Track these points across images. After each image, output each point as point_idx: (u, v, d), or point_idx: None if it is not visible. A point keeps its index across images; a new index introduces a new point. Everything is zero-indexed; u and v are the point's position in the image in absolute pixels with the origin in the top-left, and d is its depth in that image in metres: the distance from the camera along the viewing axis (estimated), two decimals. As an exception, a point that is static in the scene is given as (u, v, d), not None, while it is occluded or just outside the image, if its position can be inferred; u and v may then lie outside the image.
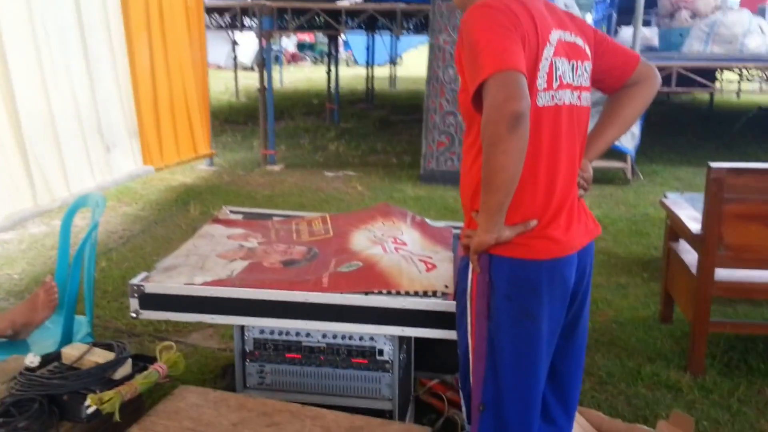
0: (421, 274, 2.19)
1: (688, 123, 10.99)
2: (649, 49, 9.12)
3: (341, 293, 2.13)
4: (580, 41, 1.72)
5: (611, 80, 1.83)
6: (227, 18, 7.99)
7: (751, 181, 2.80)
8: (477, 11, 1.56)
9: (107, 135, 5.40)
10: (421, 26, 7.81)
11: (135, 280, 2.26)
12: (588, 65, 1.74)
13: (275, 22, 7.25)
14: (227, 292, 2.19)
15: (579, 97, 1.70)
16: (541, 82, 1.60)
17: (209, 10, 7.96)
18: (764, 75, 7.80)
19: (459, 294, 1.80)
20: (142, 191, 6.17)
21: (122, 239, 4.94)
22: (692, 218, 3.11)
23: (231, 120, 10.83)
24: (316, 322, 2.16)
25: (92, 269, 2.48)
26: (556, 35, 1.64)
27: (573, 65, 1.68)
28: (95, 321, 3.44)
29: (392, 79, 16.86)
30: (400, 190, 6.47)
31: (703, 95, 12.55)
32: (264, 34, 7.18)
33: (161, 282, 2.26)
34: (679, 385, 2.86)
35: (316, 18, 7.52)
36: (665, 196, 4.56)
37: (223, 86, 14.51)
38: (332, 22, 7.45)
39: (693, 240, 2.99)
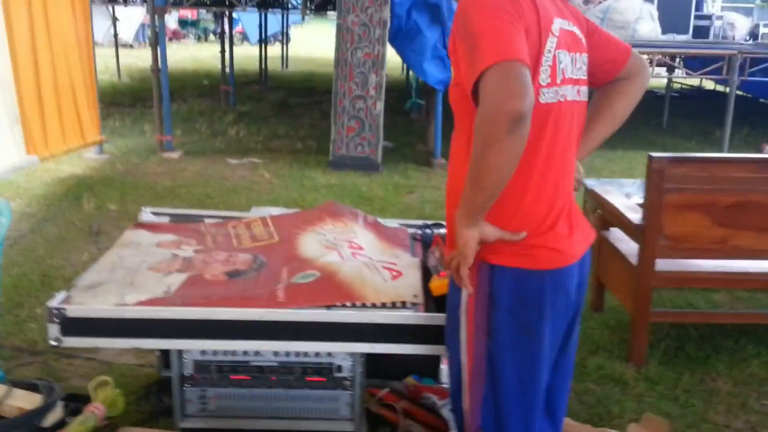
0: (386, 283, 2.01)
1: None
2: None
3: (300, 308, 1.92)
4: (577, 31, 1.61)
5: (602, 74, 1.73)
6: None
7: (691, 171, 2.82)
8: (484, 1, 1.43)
9: (-15, 123, 4.84)
10: (324, 6, 7.53)
11: (54, 302, 1.95)
12: (585, 57, 1.63)
13: (168, -2, 6.76)
14: (167, 312, 1.92)
15: (579, 92, 1.60)
16: (544, 77, 1.49)
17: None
18: (654, 60, 8.11)
19: (451, 308, 1.64)
20: (26, 185, 5.57)
21: (9, 240, 4.41)
22: (629, 208, 3.11)
23: (117, 102, 10.10)
24: (274, 342, 1.95)
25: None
26: (557, 24, 1.52)
27: (572, 58, 1.57)
28: (-11, 340, 3.04)
29: (284, 59, 16.40)
30: (311, 177, 6.24)
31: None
32: (157, 11, 6.67)
33: (86, 303, 1.96)
34: (625, 378, 2.86)
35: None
36: (583, 183, 4.63)
37: (102, 65, 13.52)
38: (234, 0, 7.05)
39: (633, 230, 2.99)
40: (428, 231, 2.46)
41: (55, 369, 2.94)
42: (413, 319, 1.90)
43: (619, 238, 3.30)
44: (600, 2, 8.54)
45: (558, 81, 1.52)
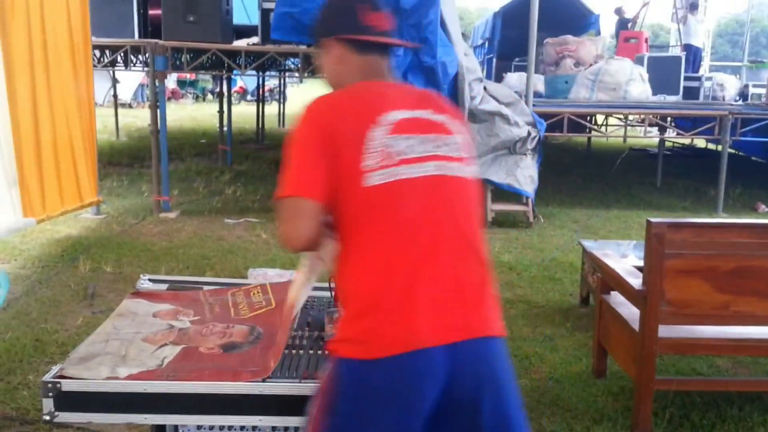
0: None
1: (570, 164, 11.51)
2: (536, 95, 9.49)
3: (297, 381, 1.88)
4: (439, 117, 1.70)
5: None
6: (107, 55, 7.50)
7: (690, 236, 2.82)
8: (300, 119, 1.64)
9: (-17, 186, 4.83)
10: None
11: (48, 376, 1.90)
12: (454, 139, 1.70)
13: (169, 61, 6.87)
14: (157, 386, 1.88)
15: (442, 167, 1.64)
16: (371, 163, 1.57)
17: (98, 47, 7.44)
18: (646, 120, 8.25)
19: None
20: (22, 246, 5.55)
21: (3, 304, 4.37)
22: (629, 272, 3.10)
23: (114, 162, 10.18)
24: (271, 417, 1.90)
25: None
26: (394, 116, 1.63)
27: (423, 139, 1.64)
28: (-22, 409, 2.97)
29: (281, 117, 16.62)
30: (307, 238, 6.22)
31: (578, 137, 13.20)
32: (158, 75, 6.77)
33: (78, 376, 1.91)
34: (630, 448, 2.81)
35: (213, 57, 7.21)
36: (581, 244, 4.63)
37: (101, 125, 13.67)
38: (231, 64, 7.16)
39: (634, 296, 2.97)
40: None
41: (44, 440, 2.87)
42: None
43: (619, 302, 3.28)
44: (591, 65, 8.71)
45: (385, 164, 1.58)
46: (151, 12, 7.96)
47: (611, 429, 2.96)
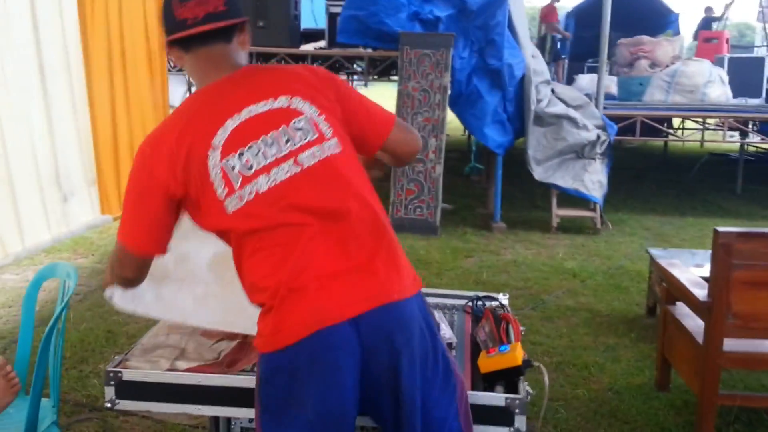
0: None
1: (645, 169, 11.16)
2: (608, 97, 9.25)
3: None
4: (279, 103, 1.63)
5: (366, 146, 1.78)
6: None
7: (759, 247, 2.71)
8: (133, 165, 1.65)
9: (65, 184, 5.11)
10: (386, 71, 7.72)
11: (111, 366, 2.00)
12: (303, 119, 1.63)
13: (240, 65, 7.05)
14: (211, 379, 1.94)
15: (296, 162, 1.59)
16: (220, 191, 1.58)
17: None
18: (725, 124, 7.93)
19: None
20: (100, 242, 5.81)
21: (79, 296, 4.60)
22: (695, 283, 3.00)
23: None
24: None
25: (61, 351, 2.21)
26: (223, 132, 1.59)
27: (266, 140, 1.59)
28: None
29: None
30: (370, 239, 6.27)
31: (655, 141, 12.81)
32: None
33: (140, 367, 2.00)
34: (691, 464, 2.71)
35: (282, 62, 7.36)
36: (649, 253, 4.50)
37: (178, 126, 14.17)
38: (299, 67, 7.30)
39: (699, 307, 2.87)
40: (480, 303, 2.42)
41: (113, 426, 3.01)
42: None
43: (684, 313, 3.18)
44: (667, 66, 8.44)
45: (236, 186, 1.57)
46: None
47: (671, 443, 2.87)
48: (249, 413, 2.00)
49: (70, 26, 5.19)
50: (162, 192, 1.60)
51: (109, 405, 1.99)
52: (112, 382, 1.97)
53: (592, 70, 11.17)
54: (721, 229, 2.73)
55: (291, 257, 1.56)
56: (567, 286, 5.04)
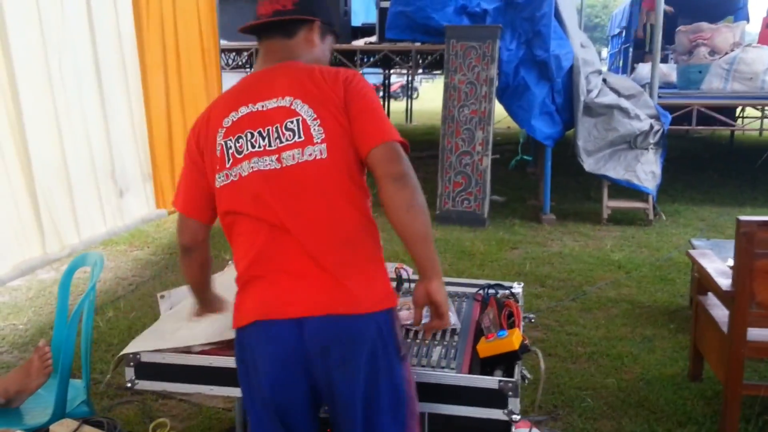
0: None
1: (708, 159, 10.80)
2: (667, 85, 9.00)
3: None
4: (297, 104, 1.70)
5: (359, 153, 1.72)
6: (245, 56, 8.01)
7: (784, 236, 2.64)
8: None
9: (120, 179, 5.37)
10: (435, 64, 7.74)
11: (130, 348, 2.15)
12: (296, 121, 1.69)
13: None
14: (221, 361, 2.06)
15: (279, 159, 1.68)
16: (217, 167, 1.75)
17: (226, 51, 7.98)
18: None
19: None
20: (155, 235, 6.08)
21: (132, 286, 4.85)
22: (721, 273, 2.94)
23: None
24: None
25: (90, 331, 2.37)
26: (234, 116, 1.74)
27: (261, 132, 1.70)
28: (98, 377, 3.33)
29: (408, 113, 16.84)
30: (416, 232, 6.32)
31: (723, 131, 12.36)
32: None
33: (156, 348, 2.14)
34: (713, 454, 2.68)
35: (333, 57, 7.50)
36: (691, 243, 4.40)
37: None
38: (347, 63, 7.42)
39: (723, 297, 2.82)
40: (491, 291, 2.46)
41: (152, 408, 3.17)
42: (452, 380, 1.91)
43: (713, 303, 3.12)
44: (726, 53, 8.14)
45: (227, 165, 1.72)
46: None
47: (695, 433, 2.83)
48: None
49: (125, 24, 5.44)
50: (192, 158, 1.82)
51: (129, 384, 2.14)
52: (131, 364, 2.12)
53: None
54: (742, 218, 2.67)
55: (255, 246, 1.69)
56: (611, 278, 4.97)
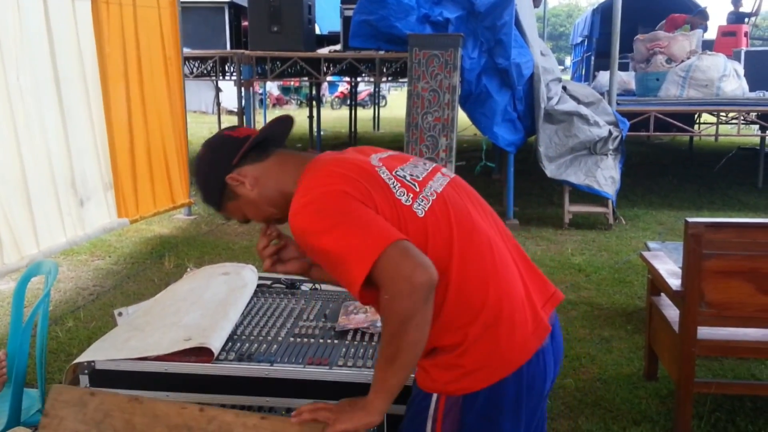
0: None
1: (668, 164, 11.04)
2: (626, 92, 9.21)
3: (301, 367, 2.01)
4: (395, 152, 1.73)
5: None
6: (209, 64, 7.99)
7: (730, 236, 2.73)
8: (315, 204, 1.48)
9: (81, 188, 5.30)
10: (400, 73, 7.81)
11: (83, 357, 2.14)
12: (420, 160, 1.72)
13: (255, 70, 7.23)
14: (176, 367, 2.06)
15: (440, 177, 1.65)
16: (404, 199, 1.51)
17: (191, 59, 7.94)
18: (742, 118, 7.84)
19: (416, 413, 1.60)
20: (117, 244, 6.02)
21: (92, 296, 4.79)
22: (672, 273, 3.03)
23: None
24: (278, 398, 2.04)
25: (45, 340, 2.35)
26: (375, 158, 1.63)
27: (411, 164, 1.66)
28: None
29: (376, 121, 16.91)
30: (381, 238, 6.37)
31: (683, 137, 12.64)
32: (244, 83, 7.15)
33: (111, 357, 2.13)
34: (665, 451, 2.75)
35: (297, 65, 7.50)
36: (647, 246, 4.51)
37: (207, 131, 14.47)
38: (311, 71, 7.44)
39: (673, 297, 2.90)
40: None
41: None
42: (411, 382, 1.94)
43: (666, 304, 3.21)
44: (682, 61, 8.35)
45: (416, 189, 1.54)
46: (243, 24, 8.39)
47: (650, 431, 2.90)
48: (213, 399, 2.12)
49: (85, 35, 5.38)
50: (367, 198, 1.50)
51: (85, 393, 2.12)
52: (86, 371, 2.10)
53: (620, 67, 11.04)
54: (691, 219, 2.76)
55: (496, 266, 1.52)
56: (571, 281, 5.06)
